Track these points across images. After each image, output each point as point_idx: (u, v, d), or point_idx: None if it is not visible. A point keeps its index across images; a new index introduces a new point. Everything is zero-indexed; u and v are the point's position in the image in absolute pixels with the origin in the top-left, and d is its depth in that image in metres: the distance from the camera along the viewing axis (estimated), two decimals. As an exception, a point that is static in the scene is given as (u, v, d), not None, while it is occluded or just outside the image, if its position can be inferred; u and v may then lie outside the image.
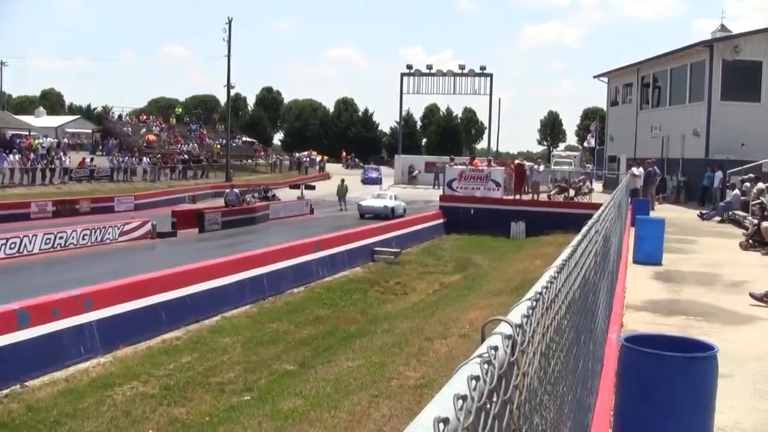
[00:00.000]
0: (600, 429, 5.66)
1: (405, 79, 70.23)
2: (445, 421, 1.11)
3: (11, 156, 48.40)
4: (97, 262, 25.20)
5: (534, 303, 2.07)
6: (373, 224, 32.92)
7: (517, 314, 1.95)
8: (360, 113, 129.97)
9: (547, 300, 2.28)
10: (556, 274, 2.50)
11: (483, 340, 1.70)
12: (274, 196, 47.41)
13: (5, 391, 12.32)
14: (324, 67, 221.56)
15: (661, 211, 29.54)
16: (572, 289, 3.11)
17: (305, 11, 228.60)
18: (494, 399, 1.48)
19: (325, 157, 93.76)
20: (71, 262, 25.23)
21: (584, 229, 4.54)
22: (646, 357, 4.73)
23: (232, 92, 74.70)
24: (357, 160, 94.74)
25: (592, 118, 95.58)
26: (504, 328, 1.76)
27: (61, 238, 27.79)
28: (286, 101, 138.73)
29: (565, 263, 2.79)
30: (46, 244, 27.00)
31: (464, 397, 1.23)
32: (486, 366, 1.43)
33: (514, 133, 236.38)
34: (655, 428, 4.66)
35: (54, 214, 38.82)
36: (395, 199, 44.29)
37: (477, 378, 1.34)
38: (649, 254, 17.25)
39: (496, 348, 1.55)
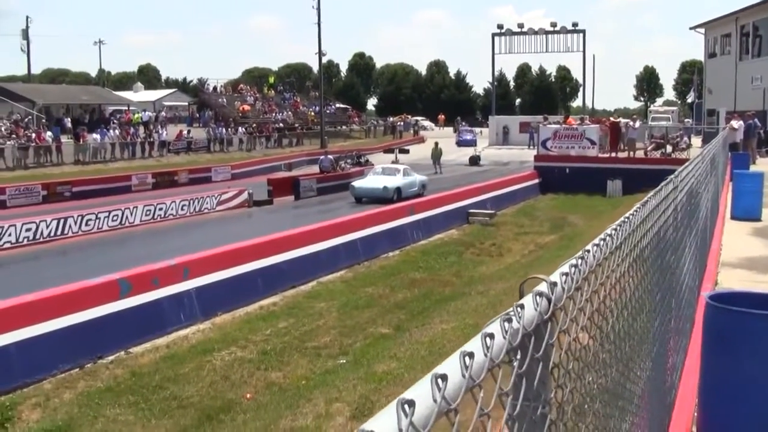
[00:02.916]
0: (688, 388, 5.59)
1: (496, 39, 69.12)
2: (443, 377, 1.12)
3: (112, 131, 49.73)
4: (196, 231, 25.84)
5: (579, 261, 2.07)
6: (467, 186, 32.66)
7: (557, 272, 1.95)
8: (452, 75, 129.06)
9: (598, 257, 2.26)
10: (612, 232, 2.48)
11: (521, 297, 1.71)
12: (367, 161, 47.45)
13: (110, 357, 12.83)
14: (414, 31, 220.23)
15: (763, 165, 28.60)
16: (639, 245, 3.06)
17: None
18: (518, 356, 1.49)
19: (430, 122, 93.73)
20: (171, 232, 25.94)
21: (661, 185, 4.46)
22: (730, 315, 4.60)
23: (324, 59, 75.06)
24: (464, 123, 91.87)
25: (690, 71, 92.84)
26: (541, 287, 1.77)
27: (160, 209, 28.52)
28: (378, 66, 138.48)
29: (625, 220, 2.76)
30: (146, 215, 27.76)
31: (471, 354, 1.23)
32: (506, 324, 1.44)
33: (609, 90, 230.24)
34: (741, 388, 4.55)
35: (153, 186, 40.00)
36: (408, 174, 34.87)
37: (492, 336, 1.34)
38: (747, 210, 16.75)
39: (522, 306, 1.56)
